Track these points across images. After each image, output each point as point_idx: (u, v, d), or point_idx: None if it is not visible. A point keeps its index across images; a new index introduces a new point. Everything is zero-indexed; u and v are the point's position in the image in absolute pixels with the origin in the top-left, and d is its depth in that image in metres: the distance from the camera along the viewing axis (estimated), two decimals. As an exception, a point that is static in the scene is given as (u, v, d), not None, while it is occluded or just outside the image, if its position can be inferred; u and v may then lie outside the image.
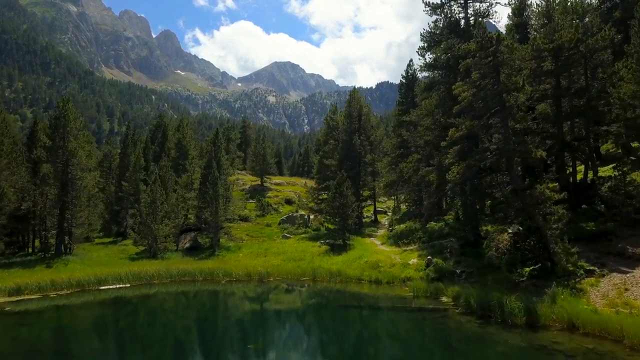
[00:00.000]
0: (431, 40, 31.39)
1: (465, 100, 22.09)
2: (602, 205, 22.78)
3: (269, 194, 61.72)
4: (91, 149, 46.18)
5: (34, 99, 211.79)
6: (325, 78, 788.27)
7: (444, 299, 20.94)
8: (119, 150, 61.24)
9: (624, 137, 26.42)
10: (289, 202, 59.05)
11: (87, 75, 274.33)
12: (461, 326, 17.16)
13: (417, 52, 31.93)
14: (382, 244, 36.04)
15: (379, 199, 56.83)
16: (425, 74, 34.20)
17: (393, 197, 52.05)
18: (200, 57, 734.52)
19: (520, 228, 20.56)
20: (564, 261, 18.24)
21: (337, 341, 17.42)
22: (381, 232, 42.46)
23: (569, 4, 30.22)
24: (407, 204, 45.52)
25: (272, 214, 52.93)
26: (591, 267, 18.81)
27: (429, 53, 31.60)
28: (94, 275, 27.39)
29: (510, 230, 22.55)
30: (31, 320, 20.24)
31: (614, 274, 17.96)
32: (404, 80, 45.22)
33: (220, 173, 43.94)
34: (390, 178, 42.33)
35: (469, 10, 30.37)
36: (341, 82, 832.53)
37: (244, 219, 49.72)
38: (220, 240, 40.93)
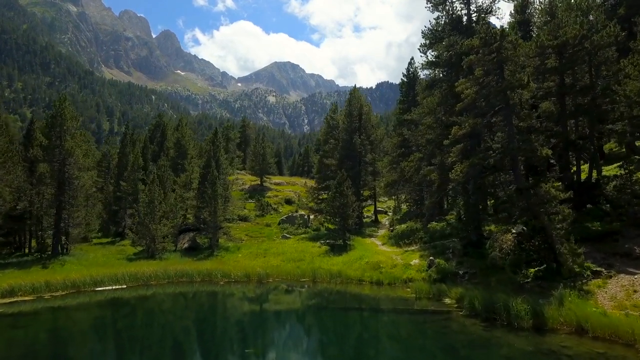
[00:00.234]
0: (433, 38, 31.08)
1: (468, 97, 21.67)
2: (608, 205, 22.36)
3: (269, 193, 61.31)
4: (88, 148, 45.72)
5: (33, 99, 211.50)
6: (325, 78, 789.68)
7: (447, 300, 20.49)
8: (118, 150, 60.82)
9: (629, 136, 25.99)
10: (288, 202, 58.65)
11: (87, 75, 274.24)
12: (465, 329, 16.68)
13: (419, 49, 31.60)
14: (383, 244, 35.60)
15: (380, 199, 56.40)
16: (426, 72, 33.86)
17: (394, 197, 51.61)
18: (200, 57, 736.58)
19: (525, 228, 20.10)
20: (570, 262, 17.80)
21: (337, 344, 16.97)
22: (382, 232, 42.01)
23: (572, 1, 29.78)
24: (408, 203, 45.15)
25: (271, 214, 52.52)
26: (598, 268, 18.38)
27: (430, 50, 31.31)
28: (89, 276, 26.88)
29: (514, 230, 22.09)
30: (26, 322, 19.77)
31: (622, 275, 17.53)
32: (404, 79, 44.81)
33: (219, 173, 43.54)
34: (391, 177, 41.95)
35: (471, 7, 30.07)
36: (341, 82, 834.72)
37: (243, 219, 49.30)
38: (219, 240, 40.47)
